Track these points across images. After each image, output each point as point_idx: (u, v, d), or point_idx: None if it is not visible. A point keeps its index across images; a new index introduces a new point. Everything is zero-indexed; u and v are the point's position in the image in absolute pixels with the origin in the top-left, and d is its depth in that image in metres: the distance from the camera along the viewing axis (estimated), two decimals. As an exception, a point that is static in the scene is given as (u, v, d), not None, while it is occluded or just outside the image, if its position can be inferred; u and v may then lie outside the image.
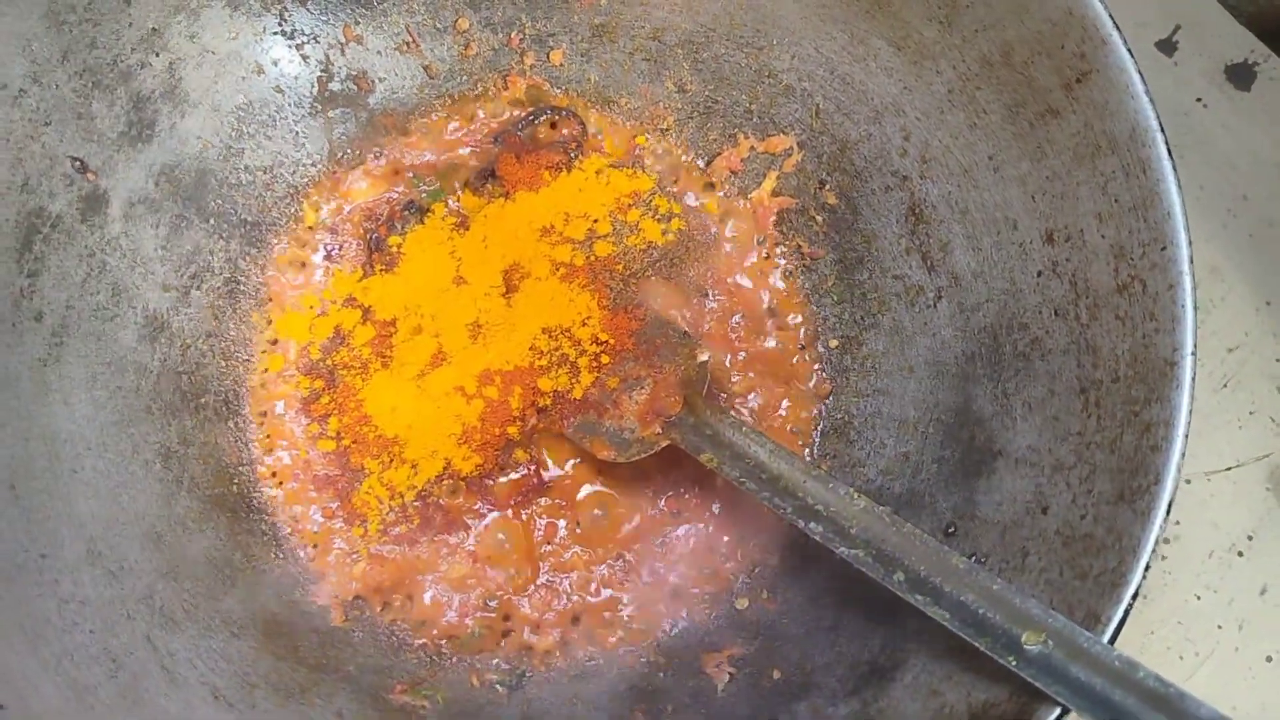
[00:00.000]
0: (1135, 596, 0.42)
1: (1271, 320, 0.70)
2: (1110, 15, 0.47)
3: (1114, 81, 0.47)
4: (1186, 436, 0.44)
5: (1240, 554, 0.66)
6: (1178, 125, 0.73)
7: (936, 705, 0.46)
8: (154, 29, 0.55)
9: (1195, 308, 0.44)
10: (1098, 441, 0.47)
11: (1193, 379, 0.44)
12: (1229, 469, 0.68)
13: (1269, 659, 0.65)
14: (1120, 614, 0.42)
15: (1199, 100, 0.74)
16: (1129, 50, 0.46)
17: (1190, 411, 0.44)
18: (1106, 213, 0.48)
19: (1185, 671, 0.64)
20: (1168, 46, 0.75)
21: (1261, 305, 0.71)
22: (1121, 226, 0.47)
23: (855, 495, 0.50)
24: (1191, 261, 0.45)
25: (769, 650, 0.54)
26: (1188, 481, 0.67)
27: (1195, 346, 0.44)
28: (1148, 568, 0.43)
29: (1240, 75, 0.74)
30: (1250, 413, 0.69)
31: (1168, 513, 0.43)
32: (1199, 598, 0.66)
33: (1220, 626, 0.65)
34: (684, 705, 0.53)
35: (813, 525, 0.50)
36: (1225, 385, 0.69)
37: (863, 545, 0.48)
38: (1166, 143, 0.46)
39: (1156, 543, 0.43)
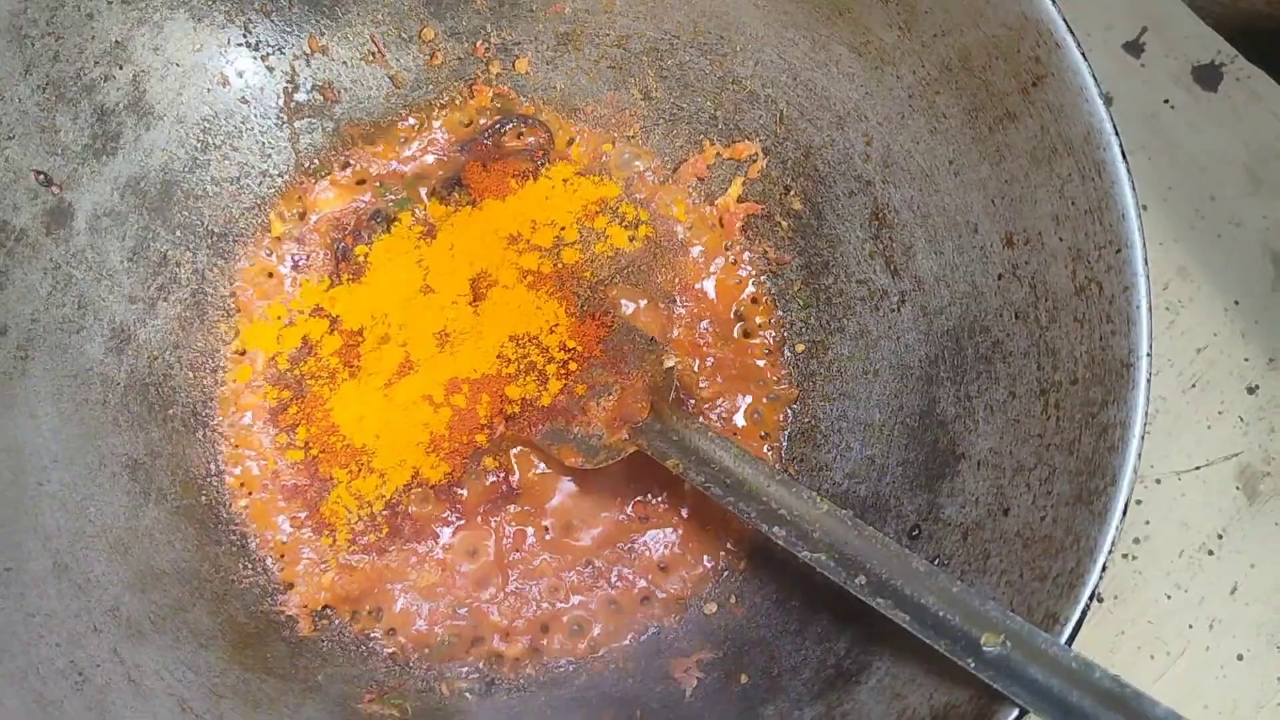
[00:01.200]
0: (1093, 597, 0.43)
1: (1240, 320, 0.71)
2: (1064, 19, 0.47)
3: (1068, 85, 0.47)
4: (1143, 438, 0.44)
5: (1211, 553, 0.67)
6: (1145, 127, 0.74)
7: (900, 708, 0.46)
8: (117, 42, 0.55)
9: (1150, 310, 0.45)
10: (1057, 443, 0.47)
11: (1148, 381, 0.44)
12: (1198, 468, 0.68)
13: (1240, 657, 0.65)
14: (1078, 614, 0.42)
15: (1166, 102, 0.74)
16: (1083, 54, 0.47)
17: (1146, 414, 0.44)
18: (1064, 215, 0.48)
19: (1156, 671, 0.64)
20: (1135, 48, 0.75)
21: (1230, 305, 0.71)
22: (1078, 229, 0.47)
23: (819, 500, 0.50)
24: (1147, 263, 0.45)
25: (737, 655, 0.55)
26: (1157, 481, 0.68)
27: (1151, 348, 0.44)
28: (1105, 569, 0.43)
29: (1207, 76, 0.75)
30: (1219, 412, 0.69)
31: (1124, 514, 0.43)
32: (1169, 597, 0.66)
33: (1191, 626, 0.66)
34: (653, 710, 0.53)
35: (776, 529, 0.50)
36: (1194, 385, 0.69)
37: (825, 549, 0.48)
38: (1121, 145, 0.46)
39: (1114, 544, 0.43)
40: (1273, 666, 0.65)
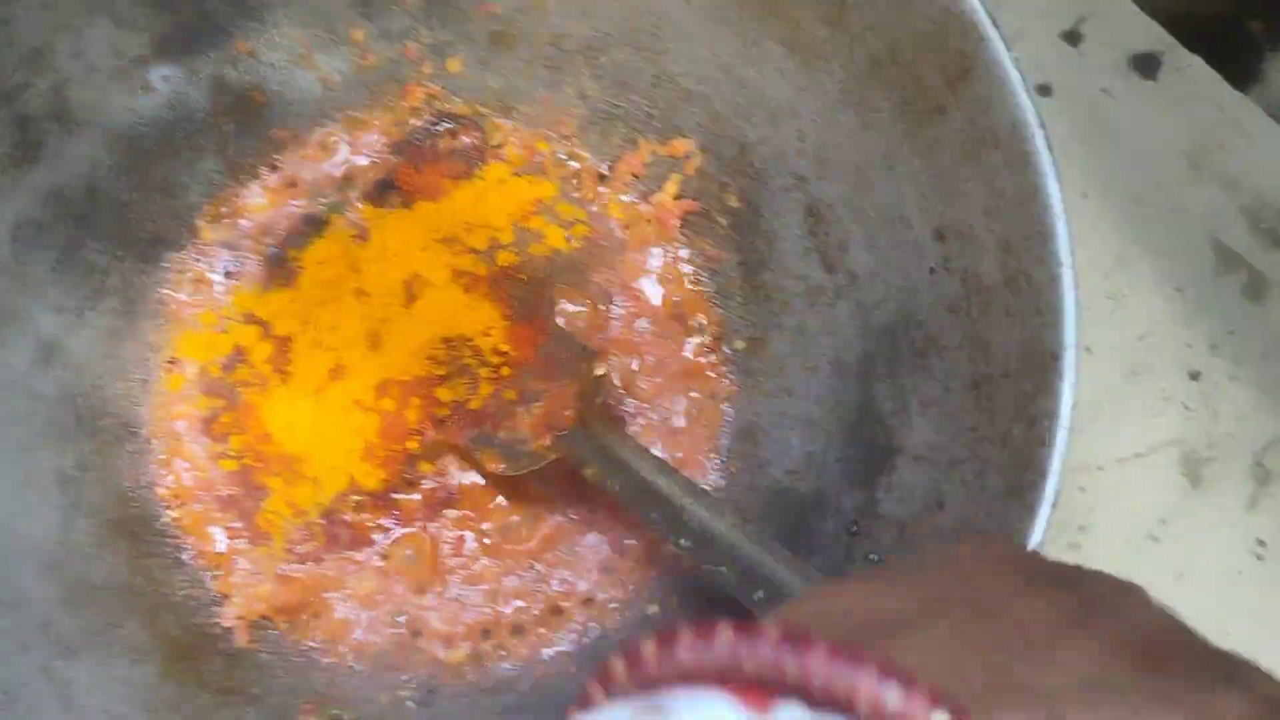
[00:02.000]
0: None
1: (1182, 306, 0.71)
2: (987, 11, 0.47)
3: (994, 77, 0.47)
4: (1070, 429, 0.44)
5: (1155, 539, 0.67)
6: (1085, 115, 0.74)
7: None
8: (35, 49, 0.54)
9: (1077, 301, 0.45)
10: (989, 436, 0.47)
11: (1076, 371, 0.44)
12: (1141, 455, 0.68)
13: (1185, 643, 0.66)
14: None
15: (1105, 90, 0.75)
16: (1006, 45, 0.47)
17: (1073, 405, 0.44)
18: (993, 208, 0.48)
19: (1103, 658, 0.65)
20: (1073, 37, 0.76)
21: (1172, 292, 0.71)
22: (1007, 221, 0.48)
23: (728, 511, 0.50)
24: (1073, 254, 0.45)
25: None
26: (1100, 469, 0.68)
27: (1078, 339, 0.45)
28: (1035, 561, 0.43)
29: (1146, 65, 0.75)
30: (1163, 399, 0.69)
31: (1053, 505, 0.44)
32: (1114, 585, 0.66)
33: (1136, 612, 0.66)
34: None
35: (683, 542, 0.50)
36: (1136, 372, 0.70)
37: (728, 562, 0.49)
38: (1046, 137, 0.46)
39: (1044, 535, 0.43)
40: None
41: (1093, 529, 0.67)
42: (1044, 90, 0.74)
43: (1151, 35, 0.76)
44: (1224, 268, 0.72)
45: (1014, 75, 0.47)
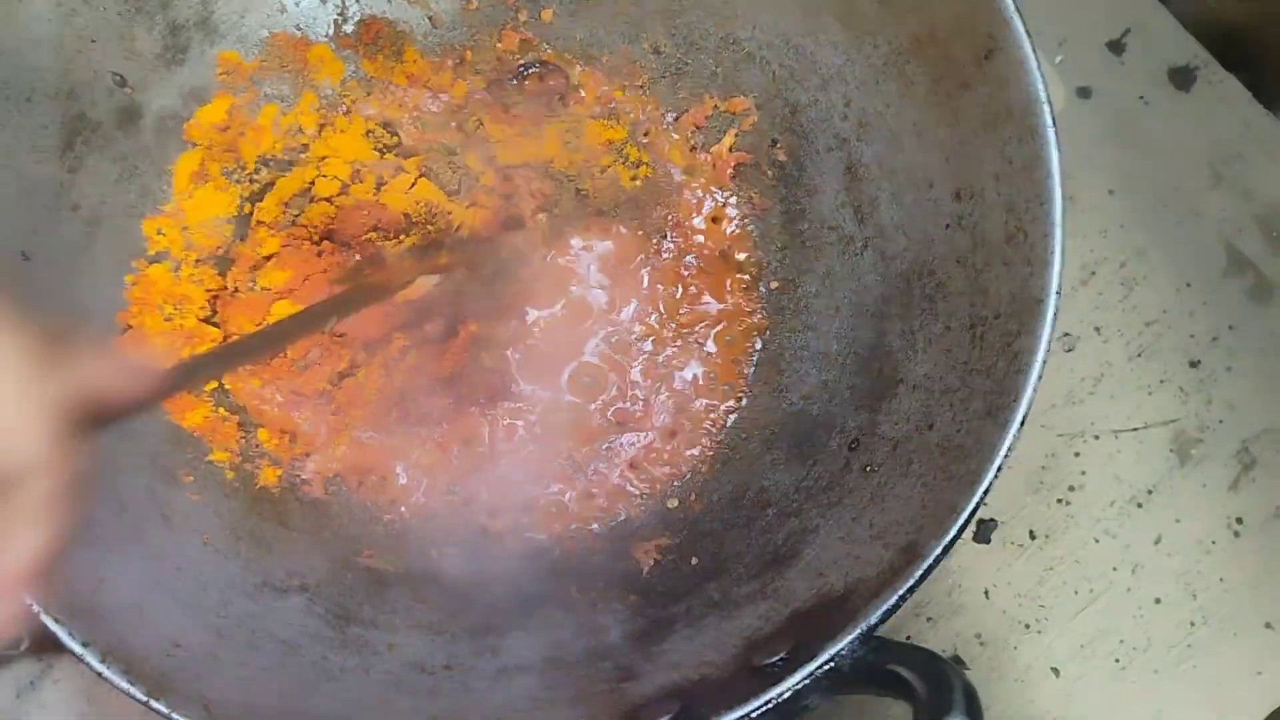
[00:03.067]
0: (986, 493, 0.49)
1: (1190, 300, 0.77)
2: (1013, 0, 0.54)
3: (1013, 58, 0.53)
4: (1045, 362, 0.50)
5: (1140, 505, 0.73)
6: (1119, 119, 0.80)
7: (820, 584, 0.53)
8: (192, -36, 0.62)
9: (1064, 255, 0.51)
10: (978, 369, 0.54)
11: (1054, 314, 0.51)
12: (1136, 430, 0.74)
13: (1158, 600, 0.71)
14: (972, 504, 0.48)
15: (1141, 98, 0.80)
16: (1027, 31, 0.53)
17: (1050, 341, 0.50)
18: (1003, 173, 0.55)
19: (1079, 605, 0.71)
20: (1117, 47, 0.81)
21: (1182, 286, 0.77)
22: (1013, 185, 0.54)
23: None
24: (1065, 214, 0.52)
25: (691, 542, 0.62)
26: (1096, 437, 0.74)
27: (1060, 288, 0.51)
28: (1000, 470, 0.49)
29: (1181, 78, 0.81)
30: (1161, 381, 0.75)
31: (1021, 426, 0.50)
32: (1097, 541, 0.72)
33: (1115, 569, 0.72)
34: (613, 582, 0.61)
35: None
36: (1140, 355, 0.76)
37: None
38: (1052, 112, 0.52)
39: (1010, 450, 0.49)
40: (1187, 612, 0.71)
41: (1083, 490, 0.73)
42: (1084, 93, 0.80)
43: (1190, 51, 0.81)
44: (1233, 269, 0.78)
45: (1031, 57, 0.53)
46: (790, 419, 0.64)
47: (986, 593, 0.71)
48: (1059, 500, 0.73)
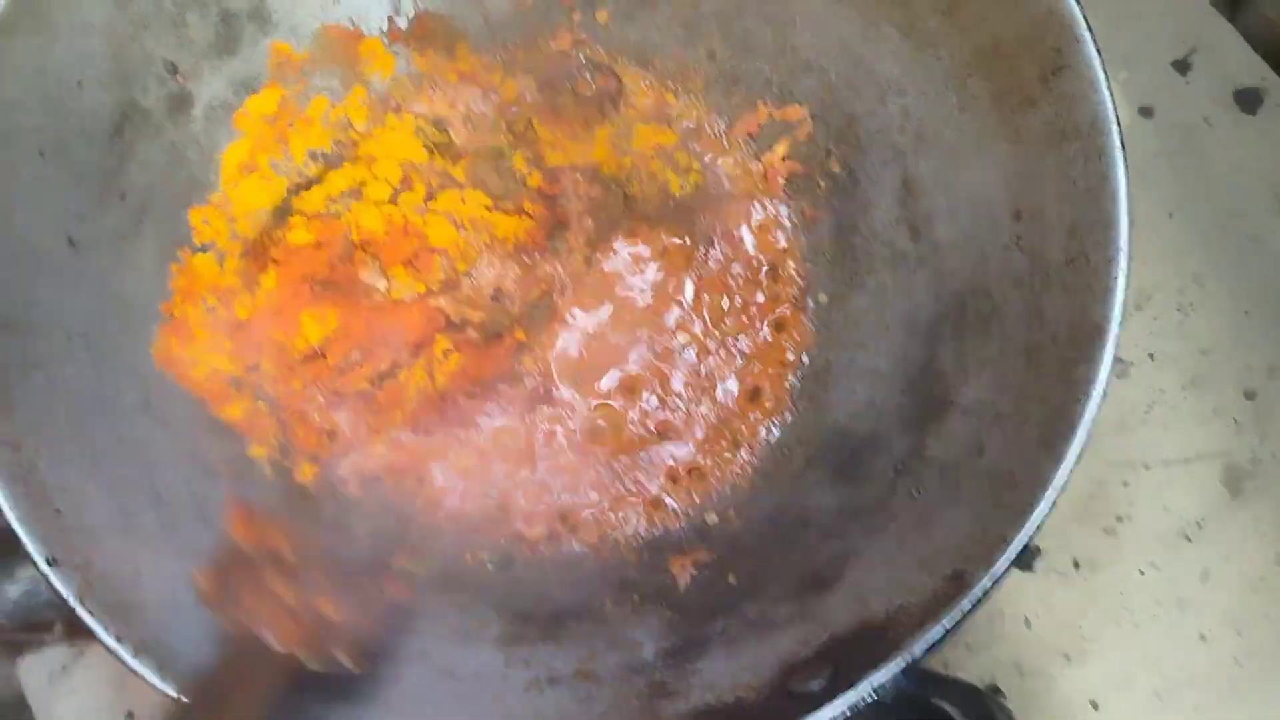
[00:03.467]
0: (1039, 527, 0.48)
1: (1248, 329, 0.75)
2: (1084, 16, 0.52)
3: (1082, 76, 0.52)
4: (1105, 393, 0.49)
5: (1188, 539, 0.71)
6: (1182, 140, 0.78)
7: (861, 610, 0.52)
8: (246, -46, 0.62)
9: (1128, 281, 0.50)
10: (1033, 395, 0.53)
11: (1115, 342, 0.49)
12: (1187, 460, 0.73)
13: (1202, 637, 0.70)
14: (1022, 536, 0.47)
15: (1205, 119, 0.79)
16: (1097, 49, 0.52)
17: (1109, 370, 0.49)
18: (1066, 193, 0.53)
19: (1121, 637, 0.69)
20: (1182, 66, 0.79)
21: (1240, 315, 0.75)
22: (1076, 206, 0.53)
23: None
24: (1130, 241, 0.50)
25: (728, 558, 0.61)
26: (1146, 467, 0.72)
27: (1123, 316, 0.50)
28: (1054, 504, 0.48)
29: (1248, 100, 0.79)
30: (1214, 411, 0.73)
31: (1078, 459, 0.49)
32: (1143, 573, 0.71)
33: (1160, 603, 0.70)
34: (648, 596, 0.60)
35: None
36: (1194, 383, 0.74)
37: None
38: (1120, 133, 0.51)
39: (1065, 482, 0.48)
40: (1231, 649, 0.70)
41: (1130, 520, 0.72)
42: (1146, 112, 0.79)
43: (1258, 72, 0.79)
44: (1294, 299, 0.76)
45: (1101, 76, 0.52)
46: (835, 437, 0.63)
47: (1027, 621, 0.69)
48: (1105, 529, 0.71)
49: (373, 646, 0.52)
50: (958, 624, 0.47)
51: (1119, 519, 0.72)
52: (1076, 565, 0.71)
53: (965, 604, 0.47)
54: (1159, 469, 0.73)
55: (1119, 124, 0.51)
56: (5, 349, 0.52)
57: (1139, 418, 0.73)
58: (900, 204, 0.63)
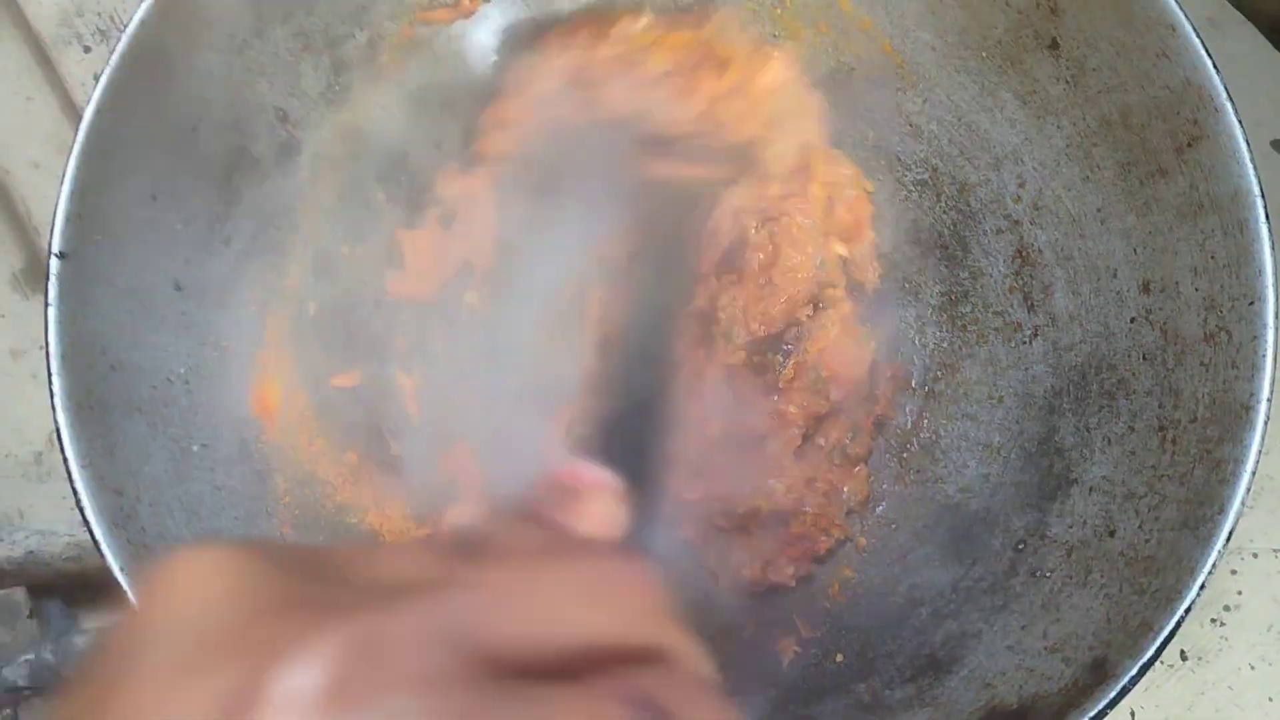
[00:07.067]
0: (1188, 612, 0.46)
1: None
2: (1225, 86, 0.51)
3: (1223, 147, 0.51)
4: (1254, 474, 0.47)
5: (1298, 631, 0.68)
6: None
7: (988, 695, 0.49)
8: (362, 6, 0.61)
9: (1276, 358, 0.48)
10: (1170, 475, 0.50)
11: (1266, 421, 0.47)
12: (1297, 549, 0.70)
13: (1315, 736, 0.66)
14: (1172, 625, 0.45)
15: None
16: (1238, 119, 0.50)
17: (1260, 451, 0.47)
18: (1202, 267, 0.52)
19: (1230, 734, 0.66)
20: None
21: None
22: (1214, 280, 0.51)
23: None
24: (1277, 316, 0.48)
25: (834, 636, 0.58)
26: (1255, 555, 0.70)
27: (1272, 393, 0.48)
28: (1203, 587, 0.46)
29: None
30: (1329, 496, 0.71)
31: (1228, 540, 0.46)
32: (1253, 667, 0.68)
33: (1271, 699, 0.67)
34: (750, 674, 0.57)
35: None
36: (1307, 466, 0.71)
37: None
38: (1265, 206, 0.49)
39: (1214, 567, 0.46)
40: (1343, 749, 0.66)
41: (1238, 610, 0.69)
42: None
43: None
44: None
45: (1243, 147, 0.50)
46: (946, 512, 0.60)
47: (1133, 714, 0.66)
48: (1213, 620, 0.68)
49: None
50: (1103, 712, 0.44)
51: (1227, 608, 0.69)
52: (1184, 657, 0.68)
53: (1111, 692, 0.44)
54: (1268, 557, 0.70)
55: (1264, 198, 0.49)
56: (110, 389, 0.51)
57: (1248, 503, 0.70)
58: (1014, 274, 0.62)
